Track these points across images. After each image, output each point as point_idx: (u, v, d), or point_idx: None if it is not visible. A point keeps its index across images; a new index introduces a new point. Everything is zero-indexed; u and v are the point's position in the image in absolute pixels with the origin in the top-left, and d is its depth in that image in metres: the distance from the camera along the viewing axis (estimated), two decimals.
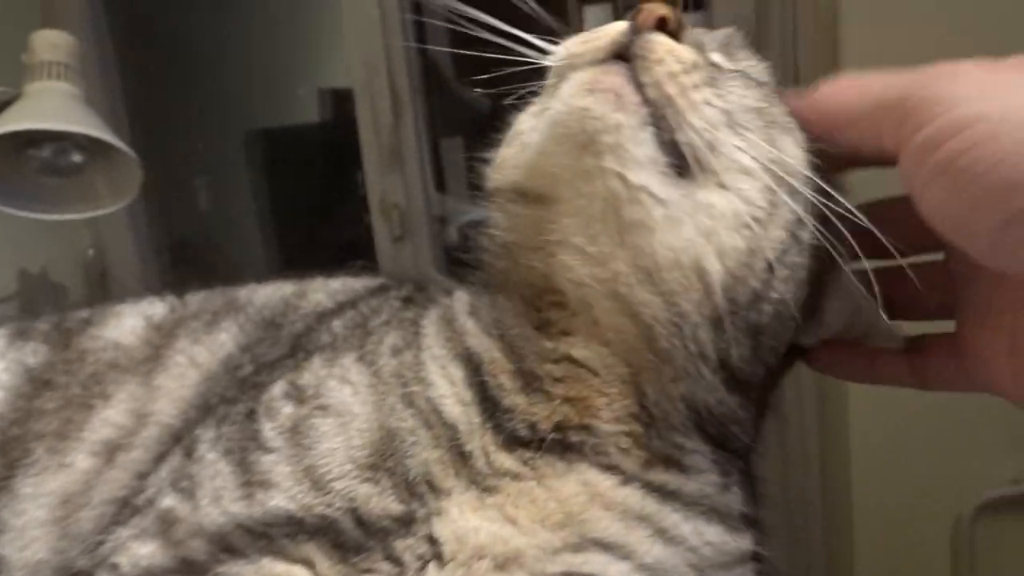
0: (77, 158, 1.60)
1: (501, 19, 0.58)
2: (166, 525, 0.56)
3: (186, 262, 2.57)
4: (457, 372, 0.58)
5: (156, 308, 0.77)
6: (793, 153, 0.52)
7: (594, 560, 0.52)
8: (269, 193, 2.80)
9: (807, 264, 0.52)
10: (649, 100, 0.50)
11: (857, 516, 1.88)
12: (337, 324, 0.67)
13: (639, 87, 0.50)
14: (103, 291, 2.27)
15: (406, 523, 0.53)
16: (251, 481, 0.56)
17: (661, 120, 0.50)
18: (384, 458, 0.55)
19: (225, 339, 0.73)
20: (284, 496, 0.54)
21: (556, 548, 0.52)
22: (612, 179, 0.49)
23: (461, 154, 2.30)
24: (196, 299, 0.78)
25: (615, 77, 0.50)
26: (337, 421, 0.57)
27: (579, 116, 0.50)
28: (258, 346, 0.70)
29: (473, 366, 0.58)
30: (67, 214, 1.68)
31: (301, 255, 2.68)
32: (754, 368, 0.54)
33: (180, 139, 2.39)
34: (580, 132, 0.49)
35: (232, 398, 0.64)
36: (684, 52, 0.52)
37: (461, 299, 0.62)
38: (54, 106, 1.54)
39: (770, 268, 0.51)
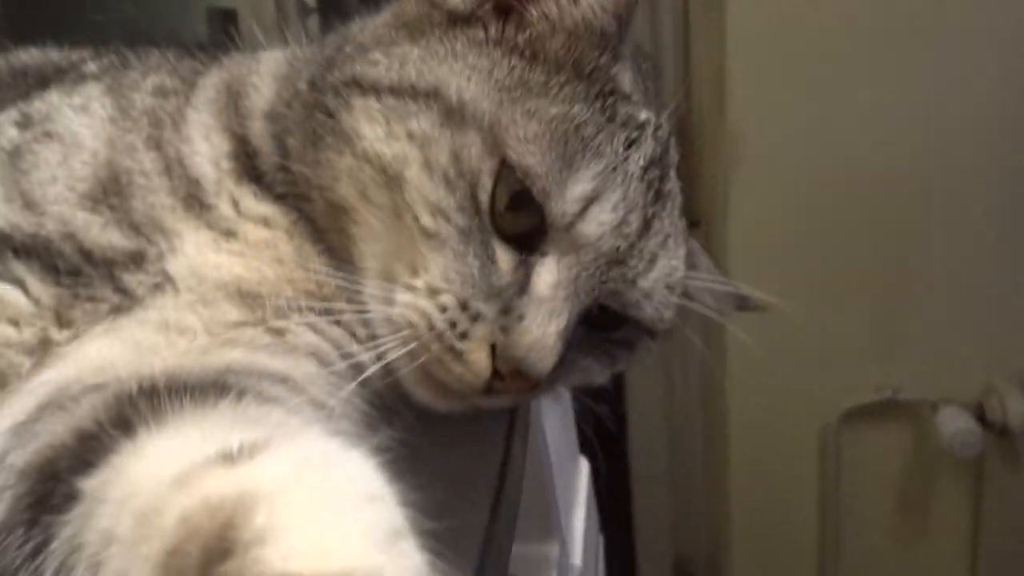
0: None
1: None
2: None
3: None
4: (222, 145, 0.61)
5: None
6: None
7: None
8: None
9: None
10: None
11: (732, 425, 1.96)
12: (93, 63, 0.68)
13: None
14: None
15: (136, 259, 0.55)
16: None
17: None
18: (107, 194, 0.56)
19: None
20: None
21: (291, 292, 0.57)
22: None
23: None
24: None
25: None
26: (60, 148, 0.58)
27: None
28: (2, 88, 0.69)
29: (244, 150, 0.61)
30: None
31: None
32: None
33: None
34: None
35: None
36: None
37: (266, 83, 0.64)
38: None
39: None
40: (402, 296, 0.57)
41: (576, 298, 0.57)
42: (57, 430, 0.46)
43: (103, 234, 0.55)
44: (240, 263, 0.57)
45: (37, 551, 0.40)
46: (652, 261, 0.59)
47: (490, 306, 0.56)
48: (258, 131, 0.62)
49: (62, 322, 0.54)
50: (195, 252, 0.56)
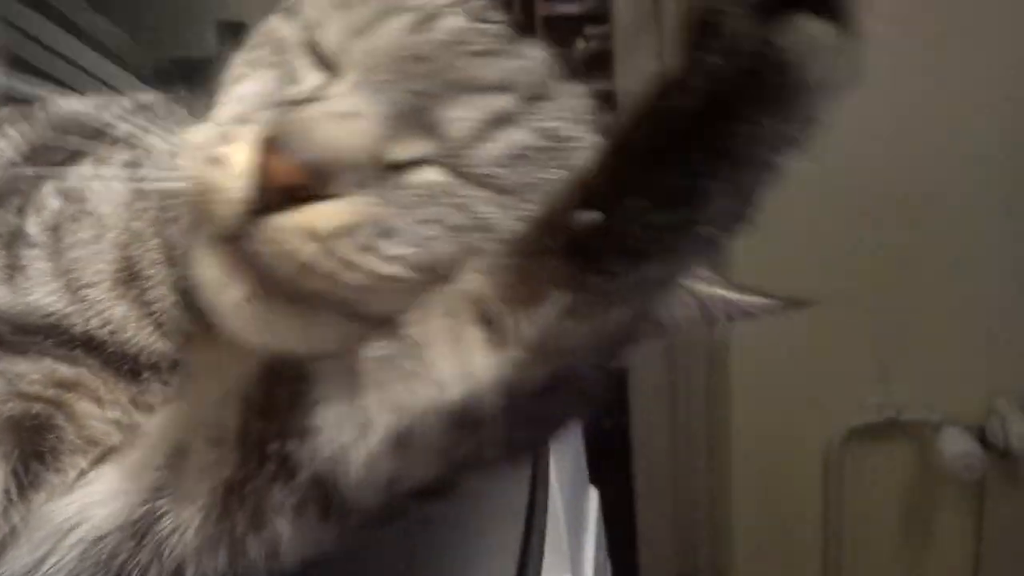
0: None
1: None
2: None
3: None
4: None
5: None
6: None
7: None
8: None
9: None
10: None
11: (736, 444, 1.97)
12: (122, 127, 0.61)
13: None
14: None
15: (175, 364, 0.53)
16: (14, 266, 0.54)
17: None
18: (128, 285, 0.53)
19: (3, 145, 0.68)
20: (43, 292, 0.53)
21: None
22: None
23: None
24: None
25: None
26: (94, 228, 0.55)
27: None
28: (43, 150, 0.66)
29: None
30: None
31: None
32: None
33: (70, 71, 2.31)
34: None
35: (11, 191, 0.61)
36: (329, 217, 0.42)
37: None
38: None
39: None
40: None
41: (388, 98, 0.45)
42: None
43: (138, 332, 0.52)
44: None
45: None
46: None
47: (274, 111, 0.45)
48: None
49: (140, 406, 0.53)
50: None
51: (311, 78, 0.48)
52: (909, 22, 1.67)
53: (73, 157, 0.62)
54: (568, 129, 0.49)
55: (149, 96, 0.71)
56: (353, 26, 0.48)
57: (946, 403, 1.88)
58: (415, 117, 0.45)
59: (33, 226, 0.56)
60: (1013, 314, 1.82)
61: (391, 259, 0.43)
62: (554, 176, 0.46)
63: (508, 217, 0.45)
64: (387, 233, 0.43)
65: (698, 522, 2.14)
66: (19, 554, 0.48)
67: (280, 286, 0.43)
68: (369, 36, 0.47)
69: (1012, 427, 1.83)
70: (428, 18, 0.49)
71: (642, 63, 1.86)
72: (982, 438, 1.87)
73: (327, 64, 0.48)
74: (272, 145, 0.42)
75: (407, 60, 0.46)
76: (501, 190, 0.46)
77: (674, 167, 0.37)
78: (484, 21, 0.50)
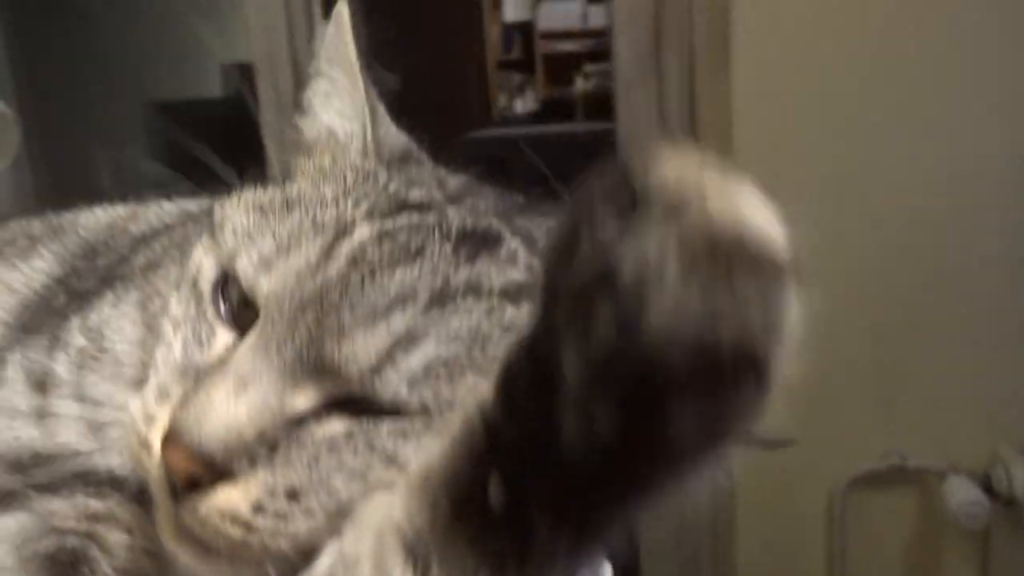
0: None
1: None
2: None
3: None
4: None
5: None
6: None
7: None
8: (168, 166, 2.69)
9: None
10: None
11: (738, 489, 1.95)
12: (141, 256, 0.67)
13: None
14: None
15: None
16: (44, 410, 0.57)
17: None
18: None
19: (41, 266, 0.72)
20: (71, 432, 0.55)
21: None
22: None
23: None
24: (18, 225, 0.78)
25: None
26: (113, 366, 0.57)
27: None
28: (73, 276, 0.70)
29: None
30: None
31: None
32: None
33: (74, 110, 2.31)
34: None
35: (39, 326, 0.65)
36: (233, 499, 0.45)
37: None
38: None
39: None
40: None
41: (267, 360, 0.46)
42: None
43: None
44: None
45: None
46: (369, 317, 0.47)
47: (182, 384, 0.49)
48: None
49: None
50: None
51: (220, 337, 0.50)
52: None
53: (100, 284, 0.65)
54: (484, 318, 0.47)
55: (183, 205, 0.74)
56: (261, 259, 0.49)
57: (951, 451, 1.88)
58: (312, 363, 0.46)
59: (61, 365, 0.58)
60: (1019, 363, 1.83)
61: (307, 514, 0.46)
62: (471, 380, 0.46)
63: (420, 438, 0.46)
64: (294, 495, 0.45)
65: (702, 569, 2.12)
66: None
67: (220, 552, 0.46)
68: (272, 273, 0.48)
69: (1017, 475, 1.83)
70: (336, 238, 0.49)
71: (643, 102, 1.88)
72: (987, 486, 1.86)
73: (240, 308, 0.50)
74: (169, 437, 0.45)
75: (304, 303, 0.47)
76: (412, 412, 0.46)
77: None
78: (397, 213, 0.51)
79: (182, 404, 0.46)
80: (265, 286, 0.48)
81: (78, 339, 0.60)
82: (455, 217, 0.51)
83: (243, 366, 0.46)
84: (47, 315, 0.66)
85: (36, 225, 0.77)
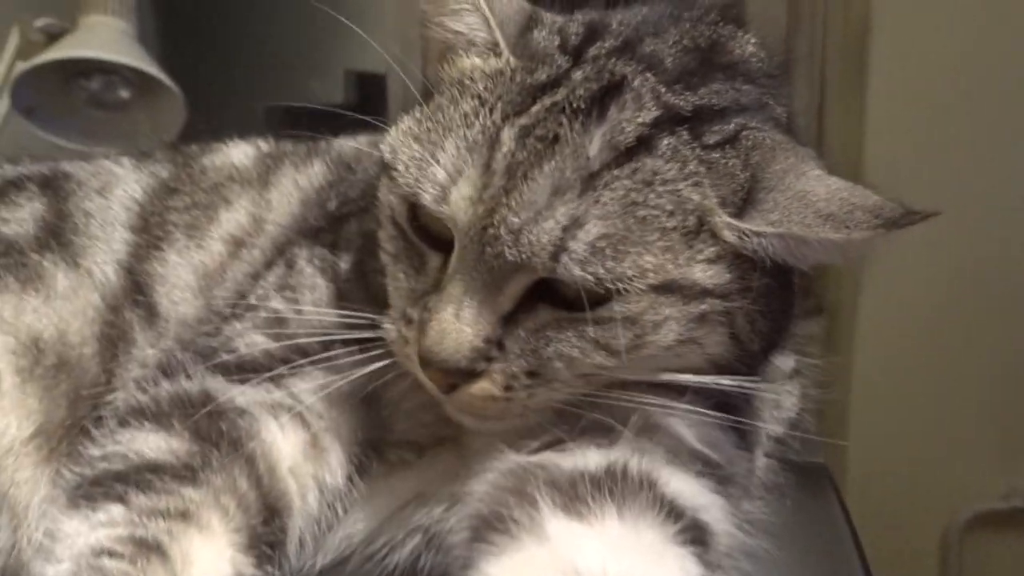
0: (124, 94, 1.62)
1: None
2: (276, 323, 0.71)
3: None
4: None
5: (261, 142, 0.91)
6: None
7: None
8: None
9: None
10: None
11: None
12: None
13: None
14: None
15: None
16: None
17: None
18: None
19: (318, 170, 0.86)
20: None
21: None
22: None
23: None
24: (287, 143, 0.92)
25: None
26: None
27: None
28: (340, 184, 0.84)
29: None
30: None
31: None
32: None
33: (196, 110, 2.36)
34: None
35: (319, 228, 0.79)
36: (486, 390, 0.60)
37: None
38: (106, 39, 1.55)
39: None
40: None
41: (470, 277, 0.58)
42: None
43: None
44: None
45: None
46: (536, 215, 0.56)
47: (416, 309, 0.61)
48: None
49: None
50: None
51: (430, 261, 0.62)
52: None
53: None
54: (628, 182, 0.56)
55: None
56: (436, 193, 0.59)
57: None
58: (504, 269, 0.57)
59: (344, 263, 0.75)
60: None
61: (548, 382, 0.60)
62: (632, 252, 0.55)
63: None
64: (532, 373, 0.59)
65: None
66: None
67: (489, 416, 0.62)
68: (450, 203, 0.58)
69: None
70: (489, 154, 0.58)
71: None
72: None
73: (436, 230, 0.61)
74: (423, 362, 0.60)
75: (483, 220, 0.57)
76: (588, 287, 0.56)
77: None
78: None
79: (422, 332, 0.59)
80: (448, 214, 0.58)
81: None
82: (580, 84, 0.59)
83: (455, 290, 0.58)
84: (322, 216, 0.80)
85: (303, 145, 0.91)
